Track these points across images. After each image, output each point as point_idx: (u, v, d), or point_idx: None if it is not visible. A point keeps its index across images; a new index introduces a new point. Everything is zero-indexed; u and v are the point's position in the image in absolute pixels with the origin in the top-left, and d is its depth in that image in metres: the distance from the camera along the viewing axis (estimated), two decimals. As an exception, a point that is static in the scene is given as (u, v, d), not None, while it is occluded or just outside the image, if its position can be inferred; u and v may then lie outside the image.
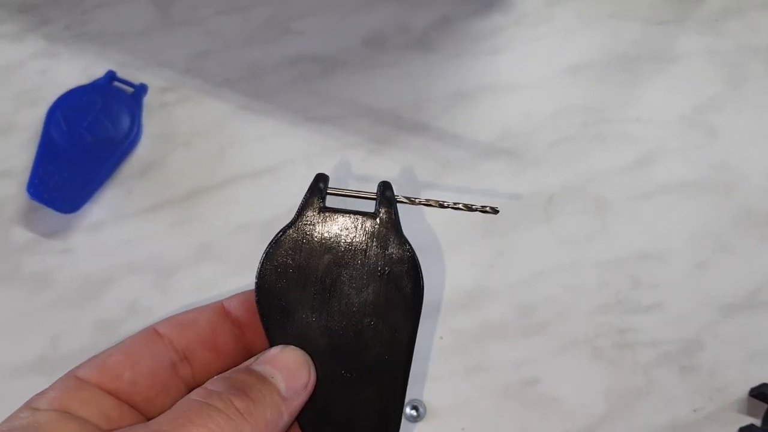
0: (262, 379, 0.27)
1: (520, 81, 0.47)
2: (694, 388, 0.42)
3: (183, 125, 0.46)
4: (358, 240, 0.30)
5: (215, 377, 0.27)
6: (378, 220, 0.30)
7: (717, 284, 0.44)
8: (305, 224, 0.30)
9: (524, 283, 0.44)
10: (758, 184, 0.45)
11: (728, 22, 0.48)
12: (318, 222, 0.30)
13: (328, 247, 0.30)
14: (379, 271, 0.29)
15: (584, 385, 0.42)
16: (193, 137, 0.46)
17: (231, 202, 0.45)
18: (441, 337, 0.43)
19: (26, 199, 0.43)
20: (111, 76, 0.46)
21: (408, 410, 0.42)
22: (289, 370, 0.28)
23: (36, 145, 0.44)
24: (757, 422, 0.41)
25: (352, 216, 0.30)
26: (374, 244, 0.30)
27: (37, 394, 0.27)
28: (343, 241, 0.30)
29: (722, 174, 0.45)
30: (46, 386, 0.27)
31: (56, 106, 0.45)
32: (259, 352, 0.30)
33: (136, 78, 0.47)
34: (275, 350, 0.28)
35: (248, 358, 0.29)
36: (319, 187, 0.31)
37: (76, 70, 0.47)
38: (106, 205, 0.45)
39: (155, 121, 0.46)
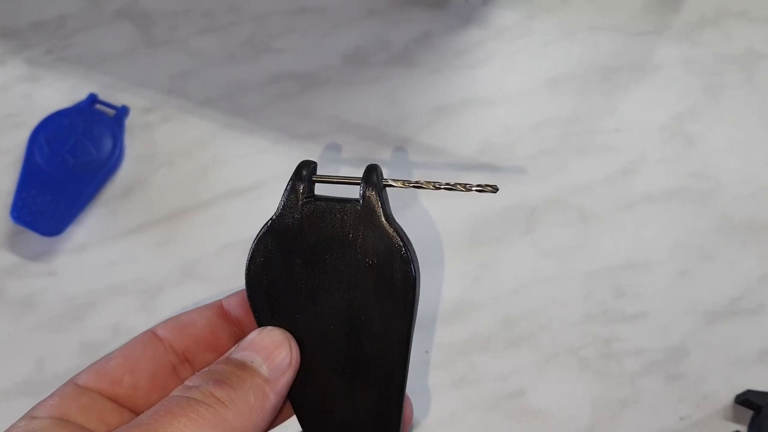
0: (242, 365, 0.27)
1: (500, 94, 0.48)
2: (680, 396, 0.42)
3: (165, 145, 0.46)
4: (343, 229, 0.28)
5: (196, 373, 0.27)
6: (362, 207, 0.28)
7: (700, 292, 0.44)
8: (289, 215, 0.28)
9: (509, 296, 0.44)
10: (737, 191, 0.45)
11: (705, 31, 0.49)
12: (302, 212, 0.28)
13: (314, 238, 0.28)
14: (368, 262, 0.28)
15: (571, 395, 0.43)
16: (175, 157, 0.46)
17: (215, 220, 0.45)
18: (426, 352, 0.43)
19: (10, 222, 0.44)
20: (93, 98, 0.46)
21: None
22: (268, 351, 0.28)
23: (19, 168, 0.44)
24: (743, 429, 0.41)
25: (336, 204, 0.28)
26: (360, 233, 0.28)
27: (37, 403, 0.27)
28: (329, 231, 0.28)
29: (702, 183, 0.46)
30: None
31: (39, 130, 0.45)
32: (188, 324, 0.30)
33: (119, 99, 0.47)
34: (253, 334, 0.28)
35: None
36: (302, 174, 0.29)
37: (59, 93, 0.47)
38: (90, 227, 0.45)
39: (138, 141, 0.46)
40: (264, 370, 0.27)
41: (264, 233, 0.28)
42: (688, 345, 0.43)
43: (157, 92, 0.47)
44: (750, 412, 0.41)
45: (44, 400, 0.27)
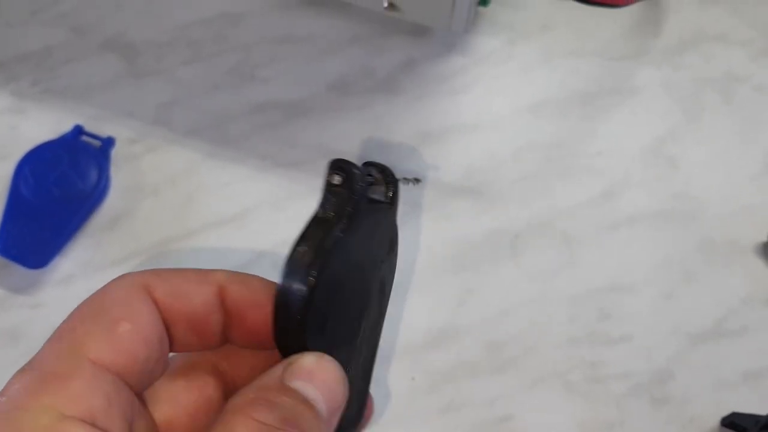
0: (304, 400, 0.23)
1: (483, 120, 0.48)
2: (666, 419, 0.42)
3: (151, 175, 0.47)
4: (380, 233, 0.27)
5: (253, 398, 0.22)
6: (391, 208, 0.27)
7: (684, 314, 0.44)
8: (354, 213, 0.25)
9: (494, 320, 0.44)
10: (719, 212, 0.46)
11: (684, 55, 0.49)
12: (356, 220, 0.25)
13: (364, 250, 0.26)
14: (381, 262, 0.27)
15: (557, 419, 0.43)
16: (161, 187, 0.46)
17: (201, 249, 0.45)
18: (413, 378, 0.43)
19: (-5, 255, 0.44)
20: (78, 130, 0.46)
21: (383, 453, 0.41)
22: (329, 390, 0.24)
23: (4, 201, 0.45)
24: (730, 451, 0.41)
25: (377, 207, 0.27)
26: (387, 234, 0.27)
27: (47, 382, 0.21)
28: (373, 238, 0.26)
29: (684, 204, 0.46)
30: None
31: (24, 162, 0.45)
32: (237, 348, 0.26)
33: (104, 130, 0.47)
34: (310, 361, 0.24)
35: (223, 345, 0.26)
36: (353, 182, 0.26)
37: (45, 125, 0.47)
38: (76, 258, 0.45)
39: (123, 172, 0.47)
40: (323, 411, 0.23)
41: (332, 228, 0.25)
42: (674, 367, 0.43)
43: (142, 123, 0.48)
44: (736, 434, 0.42)
45: (62, 382, 0.21)
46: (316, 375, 0.24)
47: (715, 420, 0.42)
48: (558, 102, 0.48)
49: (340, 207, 0.25)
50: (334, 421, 0.24)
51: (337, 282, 0.24)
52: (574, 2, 0.46)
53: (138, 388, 0.24)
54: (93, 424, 0.20)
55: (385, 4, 0.43)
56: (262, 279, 0.26)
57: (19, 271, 0.44)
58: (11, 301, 0.44)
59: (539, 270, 0.45)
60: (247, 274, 0.27)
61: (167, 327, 0.25)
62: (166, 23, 0.50)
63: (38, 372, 0.22)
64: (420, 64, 0.49)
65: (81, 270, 0.45)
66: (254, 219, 0.46)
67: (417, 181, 0.30)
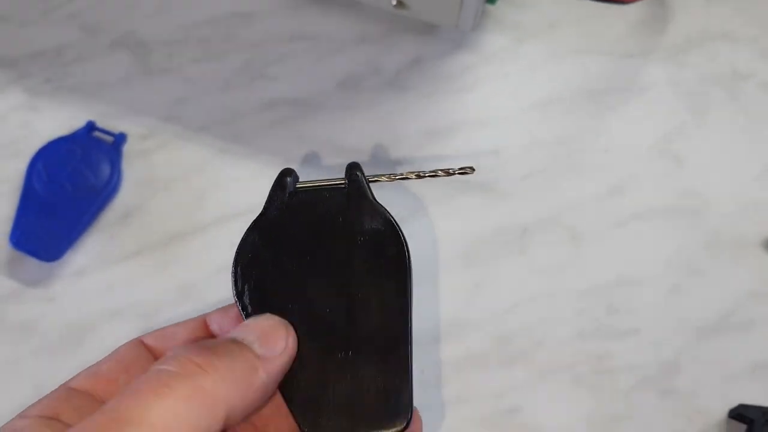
0: (233, 340, 0.26)
1: (490, 117, 0.48)
2: (673, 411, 0.43)
3: (163, 171, 0.47)
4: (331, 213, 0.29)
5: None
6: (349, 190, 0.30)
7: (691, 308, 0.44)
8: (274, 210, 0.30)
9: (502, 314, 0.44)
10: (725, 209, 0.46)
11: (690, 53, 0.50)
12: (287, 205, 0.30)
13: (302, 226, 0.29)
14: (359, 240, 0.29)
15: (566, 412, 0.43)
16: (173, 182, 0.47)
17: (212, 244, 0.46)
18: (422, 371, 0.43)
19: (8, 248, 0.44)
20: (91, 126, 0.47)
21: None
22: (262, 332, 0.27)
23: (18, 195, 0.45)
24: (737, 443, 0.42)
25: (323, 191, 0.30)
26: (349, 214, 0.29)
27: (30, 405, 0.27)
28: (317, 217, 0.29)
29: (691, 200, 0.47)
30: None
31: (37, 158, 0.46)
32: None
33: (117, 126, 0.48)
34: (249, 319, 0.28)
35: None
36: (285, 181, 0.31)
37: (58, 121, 0.48)
38: (88, 252, 0.45)
39: (135, 167, 0.47)
40: (257, 347, 0.26)
41: (249, 230, 0.30)
42: (681, 360, 0.43)
43: (154, 119, 0.48)
44: (744, 427, 0.42)
45: (37, 402, 0.27)
46: (251, 325, 0.27)
47: (722, 412, 0.42)
48: (565, 99, 0.49)
49: (269, 202, 0.31)
50: (278, 361, 0.27)
51: (267, 262, 0.29)
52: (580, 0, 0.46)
53: None
54: (56, 419, 0.25)
55: (394, 2, 0.44)
56: None
57: (32, 264, 0.45)
58: (25, 294, 0.45)
59: (547, 264, 0.45)
60: (228, 305, 0.31)
61: None
62: (176, 22, 0.50)
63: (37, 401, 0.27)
64: (428, 62, 0.50)
65: (93, 263, 0.45)
66: (264, 214, 0.46)
67: (472, 169, 0.33)
